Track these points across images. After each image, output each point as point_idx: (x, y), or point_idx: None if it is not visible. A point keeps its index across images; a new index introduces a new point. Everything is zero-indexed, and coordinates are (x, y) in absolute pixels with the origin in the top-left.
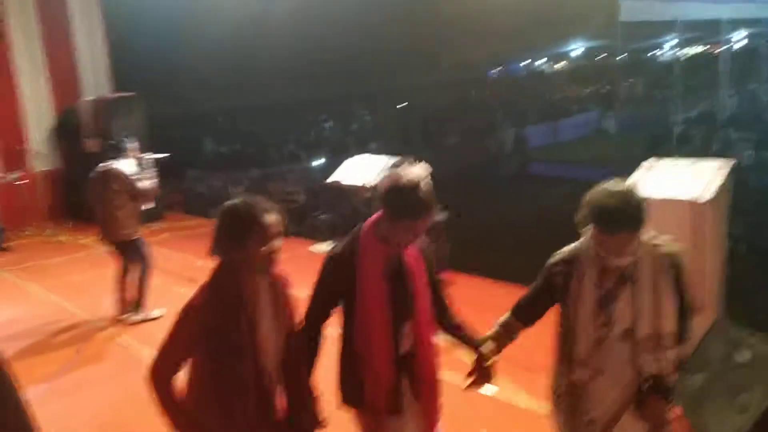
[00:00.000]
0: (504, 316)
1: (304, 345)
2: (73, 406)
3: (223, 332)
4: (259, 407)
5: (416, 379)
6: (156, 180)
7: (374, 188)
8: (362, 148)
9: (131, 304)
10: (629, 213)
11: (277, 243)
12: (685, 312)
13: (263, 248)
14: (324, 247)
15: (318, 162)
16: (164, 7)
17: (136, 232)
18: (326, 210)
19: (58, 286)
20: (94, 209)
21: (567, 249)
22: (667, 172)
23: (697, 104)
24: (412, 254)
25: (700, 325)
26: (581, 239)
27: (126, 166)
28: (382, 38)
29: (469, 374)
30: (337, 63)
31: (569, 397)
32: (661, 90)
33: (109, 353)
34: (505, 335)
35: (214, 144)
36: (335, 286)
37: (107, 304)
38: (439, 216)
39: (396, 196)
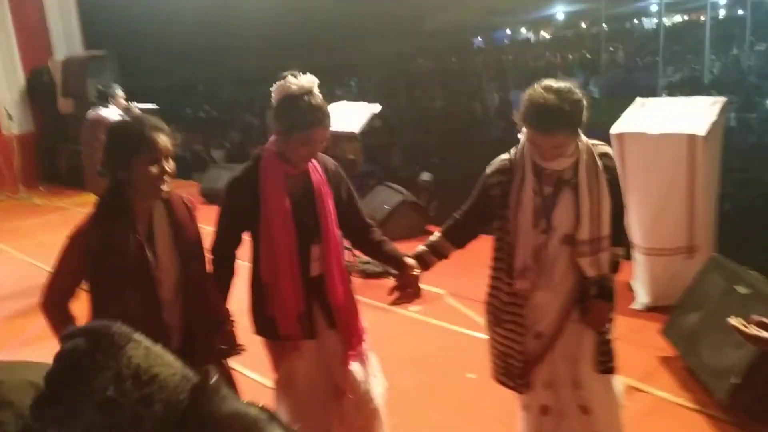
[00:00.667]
0: (432, 236)
1: (213, 272)
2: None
3: (106, 255)
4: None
5: (328, 305)
6: None
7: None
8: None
9: None
10: (566, 111)
11: (168, 165)
12: (618, 214)
13: (150, 169)
14: None
15: None
16: None
17: None
18: None
19: (31, 246)
20: (83, 159)
21: (500, 158)
22: (661, 108)
23: (682, 69)
24: (317, 173)
25: (696, 263)
26: (515, 147)
27: (113, 114)
28: (365, 5)
29: (394, 289)
30: (320, 31)
31: (512, 310)
32: (644, 56)
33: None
34: (432, 253)
35: (192, 109)
36: (239, 207)
37: None
38: (426, 176)
39: (286, 106)
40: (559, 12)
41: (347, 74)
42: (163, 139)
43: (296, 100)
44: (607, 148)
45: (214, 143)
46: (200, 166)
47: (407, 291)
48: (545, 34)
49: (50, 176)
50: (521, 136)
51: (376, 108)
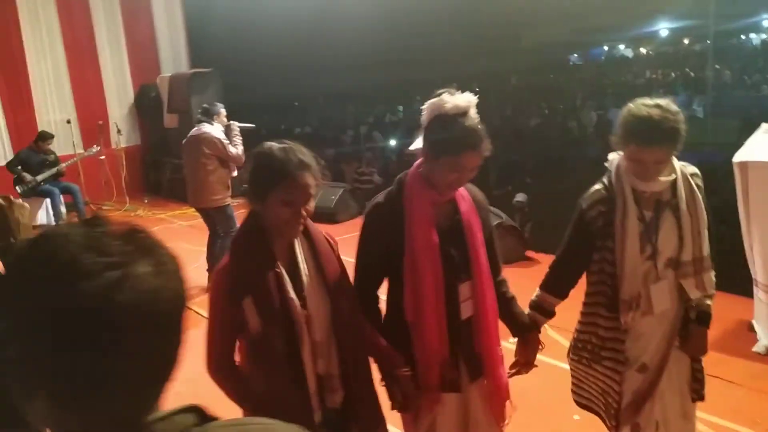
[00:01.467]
0: (535, 295)
1: (361, 312)
2: None
3: (248, 294)
4: (296, 385)
5: (476, 353)
6: (242, 148)
7: None
8: None
9: None
10: (670, 124)
11: (305, 207)
12: (711, 233)
13: (284, 209)
14: None
15: (393, 144)
16: None
17: (225, 198)
18: None
19: None
20: (186, 175)
21: (594, 190)
22: None
23: None
24: (467, 203)
25: None
26: (604, 178)
27: (216, 131)
28: (460, 23)
29: (516, 362)
30: (415, 48)
31: (613, 345)
32: (752, 74)
33: (190, 324)
34: (540, 313)
35: (289, 124)
36: (382, 237)
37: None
38: (521, 197)
39: (436, 127)
40: (663, 29)
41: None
42: (307, 179)
43: (449, 121)
44: (694, 168)
45: None
46: None
47: (528, 363)
48: (645, 51)
49: (154, 189)
50: (612, 161)
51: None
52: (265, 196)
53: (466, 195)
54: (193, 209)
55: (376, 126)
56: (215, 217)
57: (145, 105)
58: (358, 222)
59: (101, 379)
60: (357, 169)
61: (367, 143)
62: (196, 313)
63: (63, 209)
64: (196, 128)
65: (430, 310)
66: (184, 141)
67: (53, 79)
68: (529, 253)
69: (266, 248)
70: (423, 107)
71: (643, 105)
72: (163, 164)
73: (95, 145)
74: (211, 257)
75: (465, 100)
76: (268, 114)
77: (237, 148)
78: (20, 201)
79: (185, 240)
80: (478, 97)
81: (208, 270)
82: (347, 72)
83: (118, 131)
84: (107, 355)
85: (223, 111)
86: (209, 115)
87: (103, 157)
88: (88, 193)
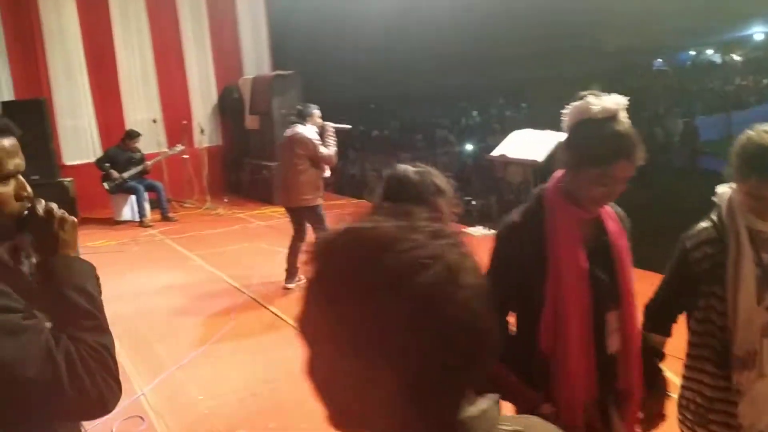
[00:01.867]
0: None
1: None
2: (224, 371)
3: None
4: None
5: (624, 390)
6: (335, 148)
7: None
8: None
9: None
10: None
11: None
12: None
13: None
14: (477, 231)
15: (468, 148)
16: None
17: (316, 198)
18: (477, 195)
19: (215, 256)
20: (278, 175)
21: (701, 227)
22: None
23: None
24: (614, 222)
25: None
26: (713, 215)
27: (310, 131)
28: (539, 25)
29: (644, 415)
30: (493, 51)
31: (723, 408)
32: None
33: (263, 324)
34: (653, 354)
35: (367, 126)
36: (520, 260)
37: (259, 276)
38: None
39: (581, 133)
40: (757, 32)
41: (519, 96)
42: (442, 206)
43: (596, 126)
44: None
45: (387, 163)
46: (367, 185)
47: (658, 414)
48: (735, 57)
49: (234, 188)
50: (723, 196)
51: (563, 137)
52: None
53: (612, 213)
54: (279, 209)
55: (452, 129)
56: (306, 217)
57: (228, 106)
58: None
59: (453, 375)
60: None
61: (442, 147)
62: (276, 315)
63: (147, 206)
64: (290, 129)
65: (575, 342)
66: (279, 142)
67: (141, 79)
68: None
69: None
70: (564, 111)
71: (766, 132)
72: (243, 164)
73: (179, 144)
74: (292, 258)
75: (614, 102)
76: (346, 116)
77: (329, 149)
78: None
79: (263, 240)
80: (558, 102)
81: (287, 270)
82: (423, 75)
83: (201, 131)
84: (449, 349)
85: (317, 112)
86: (303, 117)
87: (186, 156)
88: (171, 191)
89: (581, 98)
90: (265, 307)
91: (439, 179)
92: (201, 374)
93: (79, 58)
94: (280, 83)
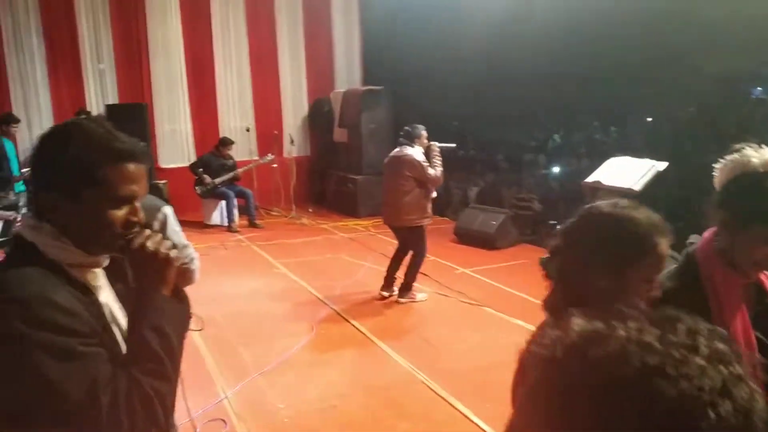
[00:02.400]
0: None
1: None
2: (304, 381)
3: None
4: None
5: None
6: (441, 168)
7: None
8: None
9: (397, 284)
10: None
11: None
12: None
13: (643, 285)
14: None
15: (555, 171)
16: (419, 11)
17: (421, 220)
18: (562, 219)
19: (299, 265)
20: (383, 193)
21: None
22: None
23: None
24: None
25: None
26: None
27: (417, 153)
28: (632, 47)
29: None
30: (587, 73)
31: None
32: None
33: (344, 337)
34: None
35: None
36: None
37: (341, 288)
38: (694, 238)
39: (741, 189)
40: None
41: (609, 119)
42: (667, 247)
43: (760, 179)
44: None
45: (471, 182)
46: (452, 204)
47: None
48: None
49: (318, 199)
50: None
51: (662, 166)
52: (621, 270)
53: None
54: (362, 222)
55: (538, 151)
56: (408, 238)
57: (318, 118)
58: (516, 250)
59: None
60: (516, 195)
61: (527, 168)
62: (356, 328)
63: (236, 212)
64: (397, 149)
65: None
66: (385, 161)
67: (237, 89)
68: None
69: None
70: (717, 166)
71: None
72: (329, 176)
73: (270, 154)
74: (393, 267)
75: None
76: (431, 134)
77: (436, 170)
78: None
79: (346, 252)
80: (651, 127)
81: (386, 277)
82: (512, 95)
83: (291, 142)
84: None
85: (424, 133)
86: (410, 138)
87: (275, 165)
88: (258, 198)
89: (736, 151)
90: (346, 320)
91: (656, 218)
92: (282, 382)
93: (180, 67)
94: (370, 98)
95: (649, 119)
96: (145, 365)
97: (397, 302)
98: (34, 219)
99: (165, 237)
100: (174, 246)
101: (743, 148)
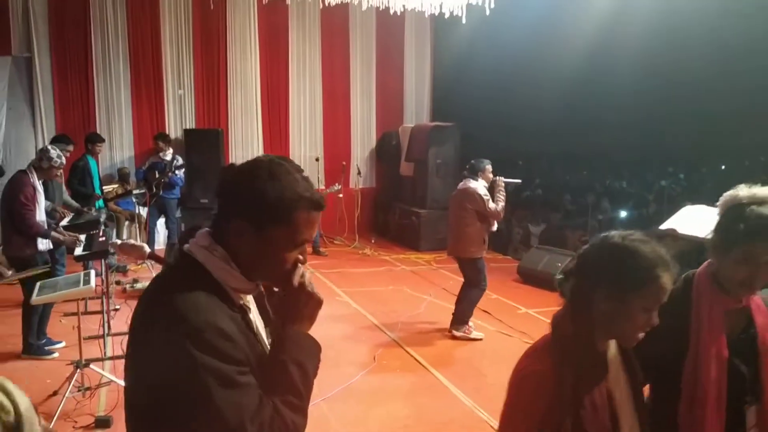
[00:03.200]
0: None
1: None
2: (365, 410)
3: (565, 414)
4: None
5: None
6: (504, 203)
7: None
8: (673, 206)
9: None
10: None
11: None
12: None
13: (640, 316)
14: None
15: (621, 214)
16: (491, 51)
17: (479, 251)
18: None
19: (361, 295)
20: (448, 225)
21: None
22: None
23: None
24: (764, 315)
25: None
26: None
27: (480, 186)
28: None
29: None
30: (656, 118)
31: None
32: None
33: (405, 368)
34: None
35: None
36: (658, 335)
37: (402, 319)
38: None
39: (727, 215)
40: None
41: (679, 166)
42: (670, 280)
43: (742, 208)
44: None
45: (534, 221)
46: (516, 242)
47: None
48: None
49: (382, 230)
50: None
51: None
52: (624, 297)
53: (763, 307)
54: (424, 255)
55: (604, 194)
56: (467, 268)
57: (385, 151)
58: None
59: None
60: (581, 237)
61: (593, 211)
62: (416, 360)
63: None
64: (462, 182)
65: (710, 430)
66: (453, 193)
67: (309, 119)
68: None
69: (594, 358)
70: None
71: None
72: (393, 208)
73: (337, 183)
74: (458, 301)
75: (766, 191)
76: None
77: (498, 204)
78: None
79: (407, 284)
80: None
81: (453, 315)
82: (579, 135)
83: (358, 173)
84: None
85: (489, 167)
86: (474, 171)
87: (341, 195)
88: (323, 226)
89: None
90: (407, 351)
91: (663, 252)
92: (343, 409)
93: (256, 96)
94: (438, 134)
95: (722, 167)
96: (287, 397)
97: (451, 334)
98: (209, 240)
99: None
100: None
101: (740, 186)
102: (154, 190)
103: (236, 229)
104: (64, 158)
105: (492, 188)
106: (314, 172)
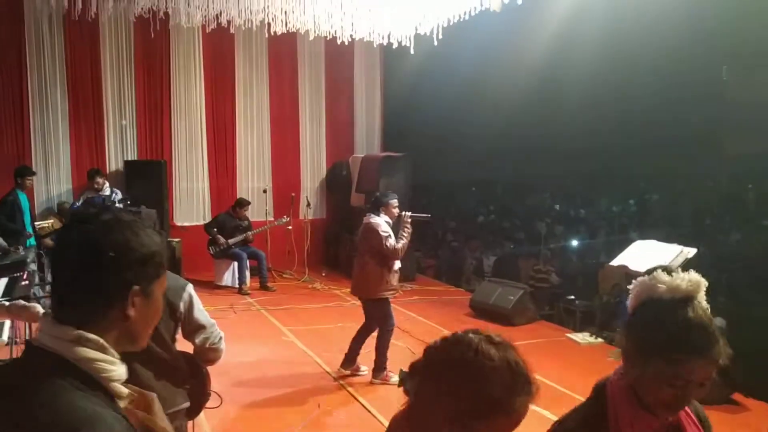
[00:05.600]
0: None
1: None
2: None
3: None
4: None
5: None
6: (407, 240)
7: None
8: (623, 235)
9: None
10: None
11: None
12: None
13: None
14: (581, 338)
15: (574, 244)
16: (440, 81)
17: (383, 292)
18: (578, 296)
19: (308, 334)
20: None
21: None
22: None
23: None
24: (694, 427)
25: None
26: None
27: (381, 221)
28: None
29: None
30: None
31: None
32: None
33: (350, 416)
34: None
35: (470, 213)
36: None
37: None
38: (719, 321)
39: (647, 318)
40: None
41: (626, 191)
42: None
43: (664, 310)
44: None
45: (488, 251)
46: (468, 274)
47: None
48: None
49: (332, 263)
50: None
51: (690, 252)
52: (468, 425)
53: (691, 415)
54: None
55: (557, 222)
56: (371, 311)
57: (335, 182)
58: (534, 327)
59: None
60: (534, 267)
61: (546, 239)
62: (364, 407)
63: (248, 273)
64: (365, 217)
65: None
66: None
67: (256, 150)
68: (737, 396)
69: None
70: (630, 288)
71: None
72: (343, 240)
73: (285, 216)
74: (356, 342)
75: (689, 281)
76: (448, 199)
77: (399, 242)
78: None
79: (357, 321)
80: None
81: (348, 352)
82: (528, 162)
83: (308, 204)
84: None
85: (394, 202)
86: (377, 206)
87: (290, 228)
88: (272, 260)
89: (650, 272)
90: (354, 398)
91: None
92: None
93: (201, 126)
94: (389, 164)
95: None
96: None
97: (371, 383)
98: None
99: (191, 318)
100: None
101: (657, 270)
102: None
103: (132, 299)
104: None
105: (397, 224)
106: (262, 204)
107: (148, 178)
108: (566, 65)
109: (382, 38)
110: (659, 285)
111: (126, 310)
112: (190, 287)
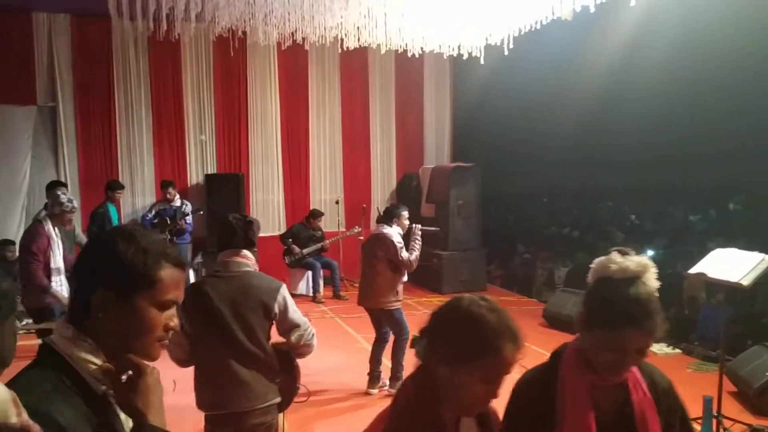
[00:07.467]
0: None
1: None
2: None
3: None
4: None
5: None
6: (418, 252)
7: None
8: (701, 245)
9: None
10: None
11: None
12: None
13: (480, 386)
14: (658, 348)
15: (650, 253)
16: (511, 91)
17: (393, 303)
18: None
19: None
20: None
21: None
22: None
23: None
24: (641, 391)
25: None
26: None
27: (394, 233)
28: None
29: None
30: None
31: None
32: None
33: None
34: None
35: (541, 224)
36: (525, 422)
37: None
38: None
39: (595, 292)
40: None
41: (704, 200)
42: (510, 354)
43: (611, 286)
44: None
45: (558, 262)
46: (539, 285)
47: None
48: None
49: None
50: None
51: None
52: (462, 367)
53: (643, 382)
54: (446, 298)
55: (632, 231)
56: (382, 320)
57: (406, 193)
58: None
59: None
60: None
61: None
62: None
63: (321, 282)
64: (376, 228)
65: None
66: (365, 240)
67: (329, 163)
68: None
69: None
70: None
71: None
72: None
73: (357, 226)
74: (374, 360)
75: (638, 263)
76: (518, 210)
77: (412, 254)
78: None
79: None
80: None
81: (369, 374)
82: (602, 172)
83: (379, 215)
84: None
85: (405, 213)
86: (389, 218)
87: (361, 238)
88: (344, 270)
89: (608, 253)
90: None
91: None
92: None
93: (276, 140)
94: (459, 174)
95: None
96: None
97: (389, 393)
98: (72, 329)
99: (286, 318)
100: None
101: (613, 251)
102: (169, 236)
103: (99, 301)
104: (75, 202)
105: (407, 236)
106: (334, 215)
107: (227, 190)
108: (638, 72)
109: (452, 49)
110: (612, 265)
111: (94, 312)
112: (283, 289)
